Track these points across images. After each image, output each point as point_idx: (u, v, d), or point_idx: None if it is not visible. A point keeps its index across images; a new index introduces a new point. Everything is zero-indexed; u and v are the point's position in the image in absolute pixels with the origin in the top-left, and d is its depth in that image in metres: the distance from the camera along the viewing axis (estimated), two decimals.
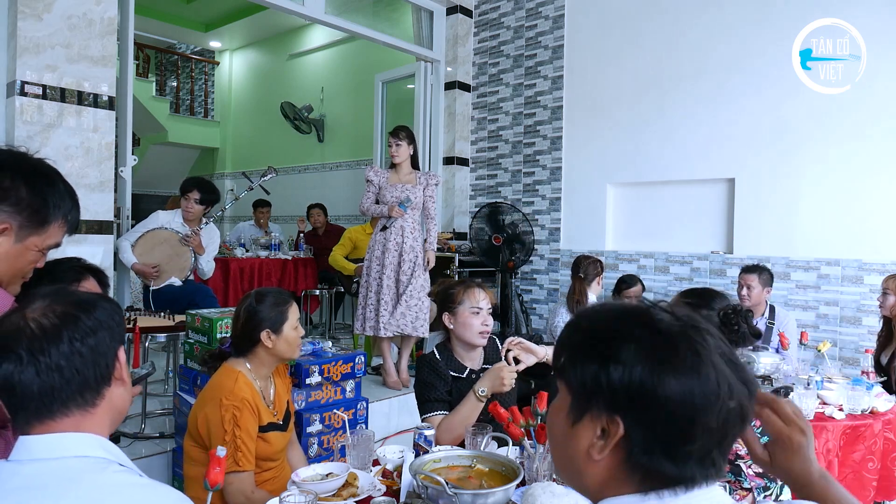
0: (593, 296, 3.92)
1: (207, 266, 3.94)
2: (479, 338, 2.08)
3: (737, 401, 0.73)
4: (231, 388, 1.77)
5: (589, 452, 0.75)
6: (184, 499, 0.93)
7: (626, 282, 4.31)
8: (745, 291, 3.46)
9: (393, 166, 4.05)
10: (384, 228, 3.94)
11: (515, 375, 1.92)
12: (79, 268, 1.80)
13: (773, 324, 3.46)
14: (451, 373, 2.07)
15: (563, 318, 3.96)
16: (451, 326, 2.08)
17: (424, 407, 2.05)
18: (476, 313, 2.06)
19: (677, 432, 0.71)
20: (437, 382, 2.04)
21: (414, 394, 2.16)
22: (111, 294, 3.52)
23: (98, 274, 1.82)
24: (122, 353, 1.00)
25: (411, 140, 4.03)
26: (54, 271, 1.71)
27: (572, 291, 3.95)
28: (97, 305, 0.98)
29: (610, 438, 0.73)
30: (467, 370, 2.10)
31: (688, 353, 0.72)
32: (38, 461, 0.90)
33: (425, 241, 4.06)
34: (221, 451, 1.28)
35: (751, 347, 2.53)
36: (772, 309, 3.55)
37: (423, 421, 2.02)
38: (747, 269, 3.53)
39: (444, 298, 2.11)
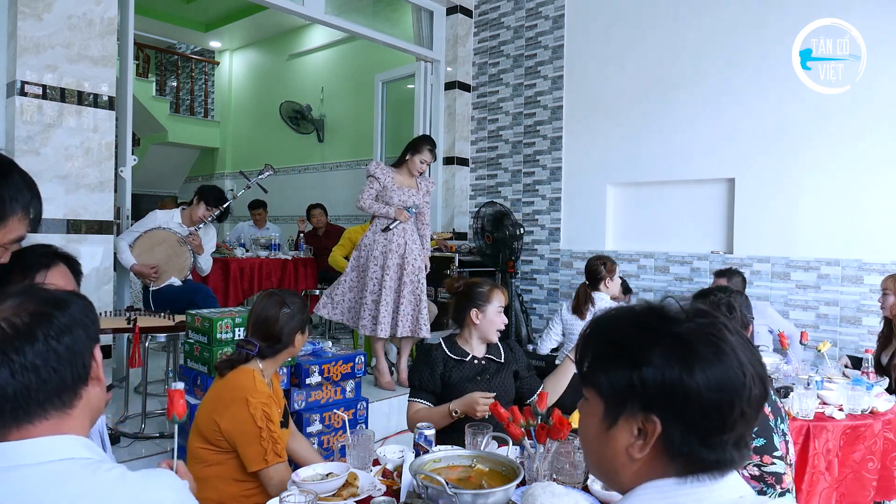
0: (607, 296, 3.77)
1: (206, 264, 3.98)
2: (497, 334, 2.27)
3: (759, 384, 0.77)
4: (253, 386, 1.83)
5: (628, 452, 0.78)
6: (180, 482, 0.93)
7: None
8: None
9: (395, 166, 4.03)
10: (387, 229, 3.90)
11: (487, 406, 1.89)
12: (50, 254, 1.76)
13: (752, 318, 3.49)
14: (454, 357, 2.21)
15: (564, 314, 3.91)
16: (478, 322, 2.23)
17: (411, 392, 2.20)
18: (500, 312, 2.26)
19: (713, 422, 0.75)
20: (424, 369, 2.19)
21: None
22: (107, 291, 3.54)
23: (69, 261, 1.78)
24: (97, 352, 0.95)
25: None
26: (25, 257, 1.67)
27: (576, 296, 3.82)
28: (70, 302, 0.93)
29: (649, 437, 0.77)
30: (470, 356, 2.23)
31: (710, 346, 0.75)
32: (21, 468, 0.84)
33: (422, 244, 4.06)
34: (179, 385, 1.35)
35: None
36: None
37: (408, 402, 2.20)
38: (717, 273, 3.70)
39: (473, 296, 2.25)
